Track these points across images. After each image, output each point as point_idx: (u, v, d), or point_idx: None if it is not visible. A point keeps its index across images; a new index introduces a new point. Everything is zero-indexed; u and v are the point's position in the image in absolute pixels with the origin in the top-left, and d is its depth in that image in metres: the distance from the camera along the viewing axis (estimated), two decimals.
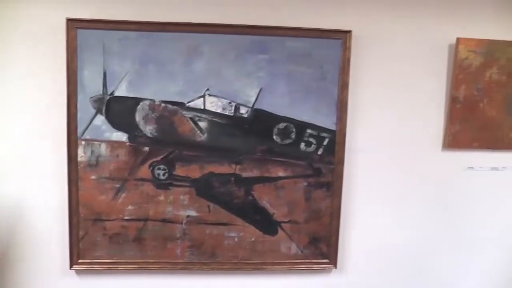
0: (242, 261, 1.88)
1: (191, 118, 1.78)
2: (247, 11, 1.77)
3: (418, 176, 1.92)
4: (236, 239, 1.86)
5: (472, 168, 1.94)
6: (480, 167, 1.94)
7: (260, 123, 1.79)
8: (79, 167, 1.77)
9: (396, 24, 1.83)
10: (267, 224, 1.86)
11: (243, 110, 1.79)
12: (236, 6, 1.77)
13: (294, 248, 1.89)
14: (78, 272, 1.86)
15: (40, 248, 1.85)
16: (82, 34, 1.71)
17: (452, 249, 2.00)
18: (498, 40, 1.83)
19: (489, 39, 1.83)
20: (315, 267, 1.90)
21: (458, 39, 1.82)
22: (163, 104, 1.76)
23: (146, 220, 1.82)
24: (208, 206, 1.83)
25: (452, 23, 1.85)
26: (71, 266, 1.82)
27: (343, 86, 1.79)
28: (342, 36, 1.77)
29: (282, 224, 1.87)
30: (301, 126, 1.81)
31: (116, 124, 1.77)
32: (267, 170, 1.82)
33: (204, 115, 1.78)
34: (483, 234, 2.00)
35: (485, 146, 1.92)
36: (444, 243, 1.99)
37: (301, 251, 1.89)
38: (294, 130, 1.81)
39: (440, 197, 1.95)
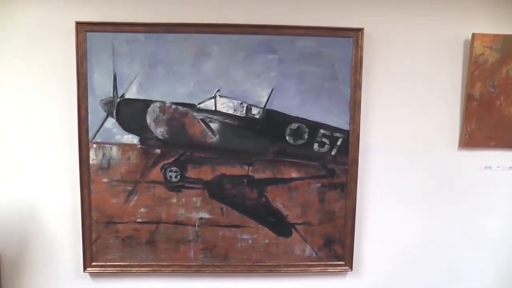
0: (255, 264, 1.87)
1: (202, 120, 1.76)
2: (255, 10, 1.75)
3: (434, 176, 1.89)
4: (249, 242, 1.85)
5: (489, 167, 1.89)
6: (498, 167, 1.90)
7: (272, 123, 1.77)
8: (91, 170, 1.78)
9: (410, 21, 1.79)
10: (280, 226, 1.84)
11: (254, 111, 1.76)
12: (243, 5, 1.75)
13: (308, 250, 1.87)
14: (92, 274, 1.86)
15: (54, 251, 1.86)
16: (91, 37, 1.71)
17: (469, 250, 1.96)
18: None
19: (505, 34, 1.78)
20: (330, 269, 1.88)
21: (473, 35, 1.78)
22: (173, 106, 1.75)
23: (158, 222, 1.82)
24: (221, 208, 1.82)
25: (467, 18, 1.81)
26: (84, 268, 1.83)
27: (356, 86, 1.76)
28: (354, 34, 1.74)
29: (296, 226, 1.85)
30: (314, 127, 1.78)
31: (127, 126, 1.76)
32: (279, 171, 1.80)
33: (215, 117, 1.76)
34: (502, 235, 1.96)
35: (503, 145, 1.87)
36: (461, 244, 1.95)
37: (316, 253, 1.87)
38: (306, 130, 1.78)
39: (457, 197, 1.91)
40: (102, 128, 1.76)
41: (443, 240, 1.94)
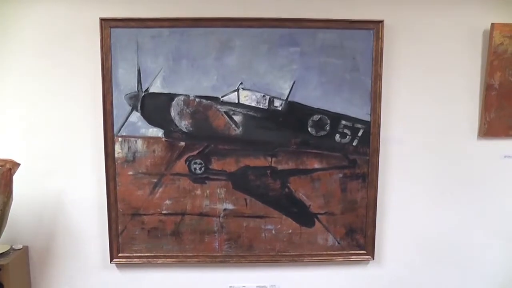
0: (279, 254, 1.90)
1: (226, 112, 1.79)
2: (277, 4, 1.77)
3: (454, 166, 1.91)
4: (273, 232, 1.88)
5: (509, 156, 1.91)
6: None
7: (295, 115, 1.80)
8: (116, 163, 1.81)
9: (429, 12, 1.81)
10: (303, 216, 1.87)
11: (277, 103, 1.79)
12: None
13: (331, 240, 1.89)
14: (118, 265, 1.91)
15: (81, 242, 1.90)
16: (116, 32, 1.74)
17: (490, 239, 1.98)
18: None
19: None
20: (353, 258, 1.90)
21: (492, 25, 1.79)
22: (197, 99, 1.78)
23: (183, 214, 1.85)
24: (245, 199, 1.85)
25: (486, 8, 1.82)
26: (111, 259, 1.87)
27: (376, 77, 1.78)
28: (374, 26, 1.76)
29: (319, 216, 1.88)
30: (336, 118, 1.81)
31: (151, 120, 1.80)
32: (302, 162, 1.83)
33: (238, 109, 1.79)
34: None
35: None
36: (482, 232, 1.97)
37: (338, 243, 1.90)
38: (328, 121, 1.81)
39: (477, 186, 1.93)
40: (127, 122, 1.79)
41: (463, 229, 1.96)
